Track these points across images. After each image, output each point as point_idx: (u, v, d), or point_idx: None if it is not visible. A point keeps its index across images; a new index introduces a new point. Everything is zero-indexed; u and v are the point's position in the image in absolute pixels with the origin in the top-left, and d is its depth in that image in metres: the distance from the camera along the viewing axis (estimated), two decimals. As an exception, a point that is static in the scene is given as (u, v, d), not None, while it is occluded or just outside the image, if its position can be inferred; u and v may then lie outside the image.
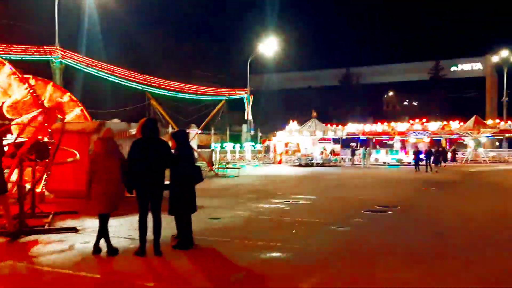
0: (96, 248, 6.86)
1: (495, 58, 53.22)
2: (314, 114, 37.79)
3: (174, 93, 47.95)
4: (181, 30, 68.25)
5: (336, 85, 72.83)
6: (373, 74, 72.15)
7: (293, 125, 43.38)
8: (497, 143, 50.61)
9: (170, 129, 23.21)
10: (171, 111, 29.52)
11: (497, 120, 45.60)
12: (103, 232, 6.92)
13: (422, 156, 27.71)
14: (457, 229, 8.91)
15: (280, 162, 37.50)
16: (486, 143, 47.18)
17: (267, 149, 43.07)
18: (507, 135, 42.37)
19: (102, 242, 6.82)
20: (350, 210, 11.10)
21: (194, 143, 34.59)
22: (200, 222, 8.89)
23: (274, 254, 6.84)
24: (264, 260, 6.57)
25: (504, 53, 50.61)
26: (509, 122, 41.82)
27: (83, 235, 8.03)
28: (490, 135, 43.07)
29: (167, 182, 7.15)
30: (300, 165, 34.17)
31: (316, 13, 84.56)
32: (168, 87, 47.22)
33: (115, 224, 8.60)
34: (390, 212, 10.92)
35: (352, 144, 46.75)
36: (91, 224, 8.42)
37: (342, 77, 73.03)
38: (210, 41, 66.17)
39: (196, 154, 29.69)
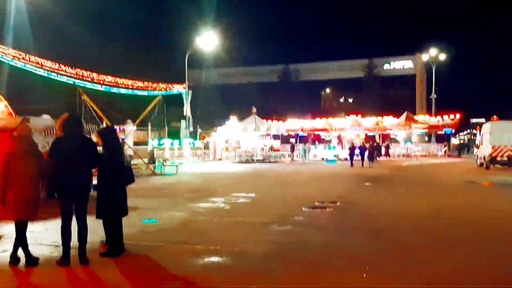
0: (14, 258, 6.13)
1: (424, 57, 55.73)
2: (254, 110, 37.59)
3: (108, 88, 46.01)
4: (116, 24, 65.67)
5: (275, 81, 73.38)
6: (311, 71, 73.46)
7: (233, 121, 43.04)
8: (426, 138, 53.12)
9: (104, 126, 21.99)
10: (105, 107, 28.10)
11: (427, 116, 47.92)
12: (21, 240, 6.17)
13: (357, 151, 28.38)
14: (396, 225, 8.86)
15: (220, 159, 37.03)
16: (416, 138, 49.44)
17: (206, 146, 42.42)
18: (436, 130, 44.43)
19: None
20: (291, 208, 10.87)
21: (130, 140, 33.24)
22: (133, 226, 8.26)
23: (213, 259, 6.38)
24: (202, 266, 6.10)
25: (433, 52, 53.10)
26: (437, 117, 44.01)
27: (2, 243, 7.18)
28: (420, 130, 45.11)
29: (95, 182, 6.52)
30: (240, 162, 33.87)
31: (255, 10, 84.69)
32: (102, 82, 45.22)
33: (39, 230, 7.81)
34: (330, 208, 10.81)
35: (291, 140, 47.24)
36: (12, 230, 7.54)
37: (281, 73, 73.69)
38: (146, 35, 64.26)
39: (131, 152, 28.51)
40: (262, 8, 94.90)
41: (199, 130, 51.08)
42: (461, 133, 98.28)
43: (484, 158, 24.47)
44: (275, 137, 46.37)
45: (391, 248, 7.05)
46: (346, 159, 31.68)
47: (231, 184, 17.52)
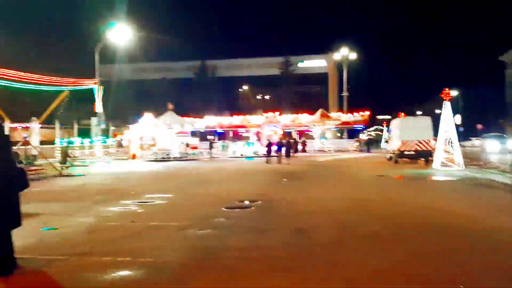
0: None
1: (336, 56, 57.80)
2: (170, 106, 36.45)
3: (9, 82, 42.09)
4: (23, 15, 60.39)
5: (192, 77, 72.15)
6: (228, 68, 73.26)
7: (148, 117, 41.48)
8: (338, 134, 55.22)
9: (6, 124, 19.90)
10: (6, 104, 25.56)
11: (339, 113, 49.81)
12: None
13: (274, 147, 28.34)
14: (317, 223, 8.67)
15: (134, 157, 35.45)
16: (330, 134, 51.24)
17: (119, 144, 40.45)
18: (348, 126, 46.27)
19: None
20: (210, 208, 10.34)
21: (35, 139, 30.55)
22: (30, 235, 7.26)
23: (123, 273, 5.67)
24: (110, 282, 5.38)
25: (344, 51, 55.21)
26: (349, 114, 45.88)
27: None
28: (334, 126, 46.76)
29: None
30: (156, 160, 32.65)
31: (171, 4, 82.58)
32: (3, 76, 41.26)
33: None
34: (251, 208, 10.45)
35: (210, 137, 46.63)
36: None
37: (198, 69, 72.62)
38: (54, 27, 59.80)
39: (36, 152, 26.18)
40: (178, 2, 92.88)
41: (111, 128, 48.63)
42: (368, 129, 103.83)
43: (393, 152, 25.68)
44: (193, 134, 45.50)
45: (313, 248, 6.80)
46: (264, 155, 31.64)
47: (146, 184, 16.59)
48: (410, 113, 37.78)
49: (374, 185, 15.27)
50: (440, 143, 19.87)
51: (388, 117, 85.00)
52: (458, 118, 61.71)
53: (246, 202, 11.09)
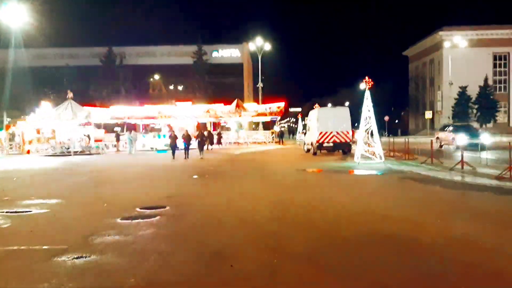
0: None
1: (251, 46, 56.63)
2: (70, 95, 32.63)
3: None
4: None
5: (98, 64, 67.02)
6: (138, 55, 69.19)
7: (46, 107, 37.17)
8: (254, 126, 54.27)
9: None
10: None
11: (255, 104, 48.69)
12: None
13: (181, 140, 25.53)
14: (241, 241, 6.79)
15: (28, 152, 31.42)
16: (246, 125, 50.00)
17: (13, 137, 35.81)
18: (263, 118, 45.25)
19: None
20: (102, 220, 8.09)
21: None
22: None
23: None
24: None
25: (259, 41, 54.15)
26: (265, 105, 44.83)
27: None
28: (250, 118, 45.50)
29: None
30: (54, 155, 29.08)
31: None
32: None
33: None
34: (156, 217, 8.34)
35: (116, 128, 43.09)
36: None
37: (104, 56, 67.65)
38: None
39: None
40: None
41: (6, 119, 43.38)
42: (281, 121, 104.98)
43: (311, 144, 24.82)
44: (99, 126, 41.83)
45: (237, 282, 5.01)
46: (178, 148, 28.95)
47: (30, 185, 13.78)
48: (322, 105, 37.58)
49: (297, 181, 13.77)
50: (360, 134, 19.11)
51: (299, 109, 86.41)
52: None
53: (151, 209, 9.01)
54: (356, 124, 26.70)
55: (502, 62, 65.83)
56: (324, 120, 23.51)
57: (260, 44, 54.33)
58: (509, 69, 65.73)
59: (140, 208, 9.14)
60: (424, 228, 7.05)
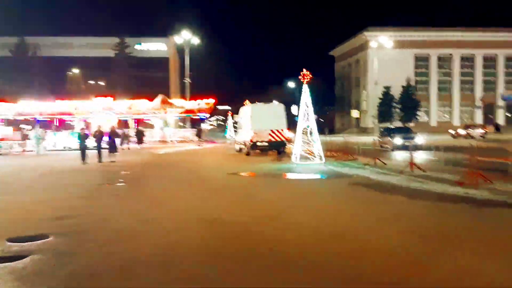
0: None
1: (178, 39, 53.66)
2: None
3: None
4: None
5: (8, 55, 60.51)
6: (54, 47, 63.48)
7: None
8: (180, 124, 51.52)
9: None
10: None
11: (182, 100, 45.93)
12: None
13: (105, 139, 22.16)
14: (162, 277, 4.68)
15: None
16: (172, 123, 47.15)
17: None
18: (191, 115, 42.76)
19: None
20: None
21: None
22: None
23: None
24: None
25: (186, 35, 51.40)
26: (193, 102, 42.25)
27: None
28: (176, 114, 42.78)
29: None
30: None
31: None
32: None
33: None
34: (27, 258, 5.47)
35: (23, 126, 38.52)
36: None
37: (15, 47, 61.29)
38: None
39: None
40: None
41: None
42: (209, 119, 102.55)
43: (244, 143, 22.88)
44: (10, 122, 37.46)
45: None
46: (95, 147, 25.05)
47: None
48: (252, 103, 35.69)
49: (231, 189, 11.52)
50: (299, 132, 17.42)
51: (228, 107, 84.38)
52: (295, 109, 63.58)
53: (21, 245, 6.09)
54: (291, 122, 25.14)
55: (423, 63, 68.34)
56: (258, 117, 21.63)
57: (187, 37, 51.60)
58: (429, 70, 68.36)
59: (9, 241, 6.25)
60: (430, 269, 5.23)
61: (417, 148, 18.80)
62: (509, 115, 69.08)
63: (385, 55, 61.90)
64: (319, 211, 8.31)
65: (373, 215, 7.86)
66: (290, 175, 14.33)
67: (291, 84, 76.43)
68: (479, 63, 68.45)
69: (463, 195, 9.33)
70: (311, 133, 17.19)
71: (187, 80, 51.84)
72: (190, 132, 42.92)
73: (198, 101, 41.95)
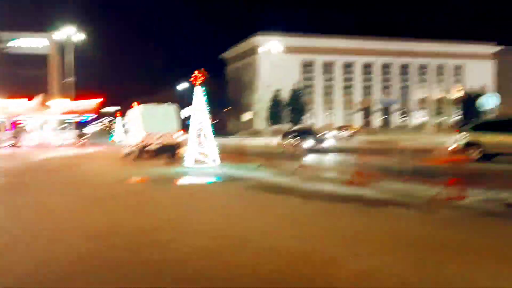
0: None
1: (60, 36, 49.76)
2: None
3: None
4: None
5: None
6: None
7: None
8: (63, 125, 47.90)
9: None
10: None
11: (66, 100, 42.63)
12: None
13: None
14: None
15: None
16: (53, 124, 43.55)
17: None
18: (76, 116, 39.87)
19: None
20: None
21: None
22: None
23: None
24: None
25: (69, 31, 47.87)
26: (78, 102, 39.46)
27: None
28: (58, 116, 39.59)
29: None
30: None
31: None
32: None
33: None
34: None
35: None
36: None
37: None
38: None
39: None
40: None
41: None
42: (96, 121, 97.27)
43: (133, 146, 21.70)
44: None
45: None
46: None
47: None
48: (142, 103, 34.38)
49: (120, 198, 10.56)
50: (192, 135, 16.90)
51: (115, 108, 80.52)
52: (187, 111, 62.72)
53: None
54: (183, 124, 24.46)
55: (310, 68, 71.88)
56: (149, 119, 20.63)
57: (71, 34, 48.04)
58: (315, 75, 72.10)
59: None
60: (341, 268, 5.08)
61: (324, 150, 19.09)
62: (385, 117, 75.59)
63: (274, 60, 63.98)
64: (214, 217, 7.92)
65: (270, 217, 7.71)
66: (183, 180, 13.75)
67: (183, 86, 75.52)
68: (358, 69, 73.88)
69: (353, 194, 9.64)
70: (205, 135, 16.78)
71: (70, 79, 48.36)
72: (74, 135, 40.04)
73: (83, 101, 39.30)
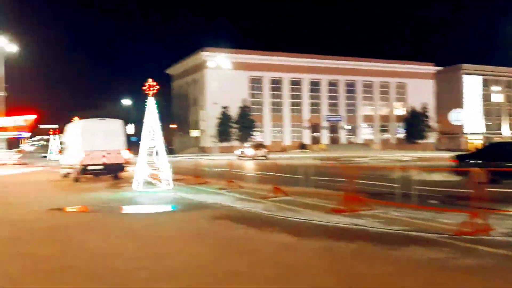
0: None
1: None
2: None
3: None
4: None
5: None
6: None
7: None
8: None
9: None
10: None
11: None
12: None
13: None
14: None
15: None
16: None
17: None
18: (6, 133, 36.09)
19: None
20: None
21: None
22: None
23: None
24: None
25: (1, 41, 43.77)
26: (10, 118, 35.74)
27: None
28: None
29: None
30: None
31: None
32: None
33: None
34: None
35: None
36: None
37: None
38: None
39: None
40: None
41: None
42: (31, 139, 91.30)
43: (72, 167, 19.07)
44: None
45: None
46: None
47: None
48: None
49: (49, 237, 8.15)
50: (142, 153, 14.70)
51: (55, 126, 75.41)
52: (131, 128, 59.54)
53: None
54: (129, 142, 22.06)
55: (258, 85, 70.86)
56: (90, 136, 18.14)
57: (2, 44, 43.96)
58: (263, 92, 71.13)
59: None
60: None
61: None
62: (332, 134, 75.81)
63: (222, 76, 62.39)
64: (176, 269, 5.80)
65: (258, 269, 5.76)
66: (131, 208, 11.49)
67: (126, 102, 72.17)
68: (306, 86, 73.82)
69: (350, 227, 7.94)
70: (157, 153, 14.65)
71: (2, 94, 44.12)
72: (5, 153, 36.15)
73: (16, 117, 35.64)
